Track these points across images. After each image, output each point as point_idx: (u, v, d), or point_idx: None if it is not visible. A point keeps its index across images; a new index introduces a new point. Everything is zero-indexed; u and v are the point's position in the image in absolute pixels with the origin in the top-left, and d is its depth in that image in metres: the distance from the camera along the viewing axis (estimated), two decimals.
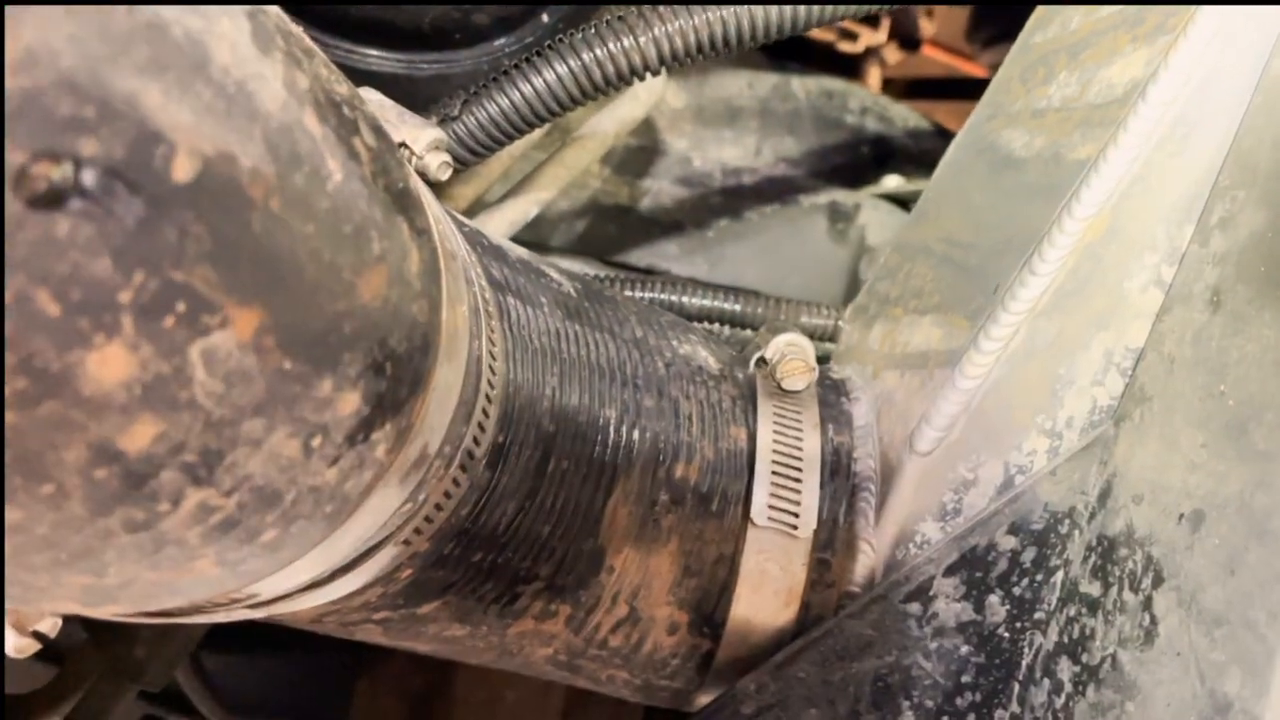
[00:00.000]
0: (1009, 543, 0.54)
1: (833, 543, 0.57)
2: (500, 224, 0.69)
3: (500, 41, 0.64)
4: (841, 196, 1.12)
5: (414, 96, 0.70)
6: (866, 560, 0.56)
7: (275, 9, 0.33)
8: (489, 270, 0.51)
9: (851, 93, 1.19)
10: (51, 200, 0.24)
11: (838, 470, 0.58)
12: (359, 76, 0.65)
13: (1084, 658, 0.50)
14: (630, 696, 0.61)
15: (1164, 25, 0.49)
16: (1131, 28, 0.52)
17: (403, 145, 0.47)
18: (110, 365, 0.26)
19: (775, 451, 0.57)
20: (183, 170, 0.26)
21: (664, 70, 0.59)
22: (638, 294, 0.72)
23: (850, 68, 1.47)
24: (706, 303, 0.72)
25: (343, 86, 0.34)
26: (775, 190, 1.11)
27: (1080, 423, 0.53)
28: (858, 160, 1.16)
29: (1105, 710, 0.47)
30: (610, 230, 1.09)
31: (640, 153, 1.08)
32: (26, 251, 0.24)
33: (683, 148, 1.10)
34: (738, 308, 0.72)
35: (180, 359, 0.27)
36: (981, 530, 0.53)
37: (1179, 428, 0.47)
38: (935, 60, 2.07)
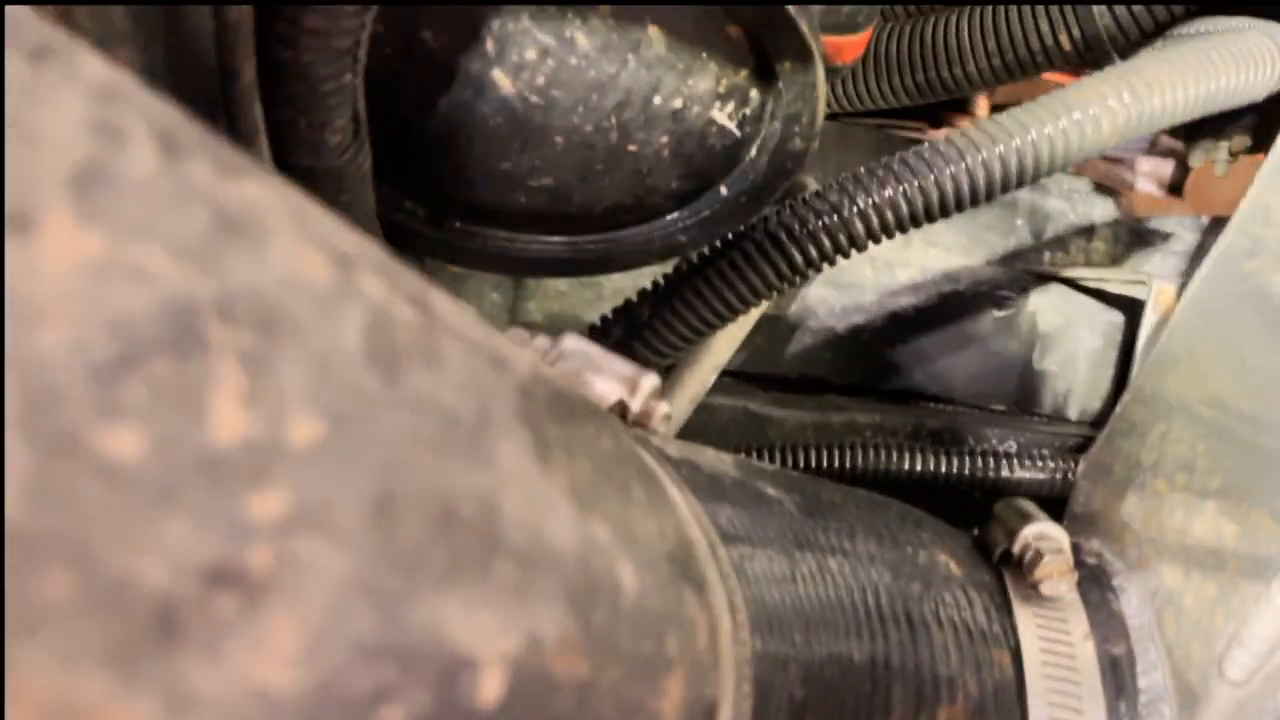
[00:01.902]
0: None
1: None
2: (683, 403, 0.63)
3: (673, 216, 0.58)
4: (1004, 280, 1.04)
5: (579, 275, 0.65)
6: None
7: (531, 357, 0.27)
8: (716, 520, 0.44)
9: None
10: None
11: (1121, 690, 0.50)
12: (520, 264, 0.60)
13: None
14: None
15: None
16: None
17: (619, 404, 0.42)
18: None
19: (1047, 678, 0.50)
20: (492, 689, 0.20)
21: (872, 245, 0.52)
22: (835, 464, 0.65)
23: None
24: (916, 469, 0.65)
25: (609, 438, 0.28)
26: (930, 281, 1.03)
27: None
28: (1014, 235, 1.08)
29: None
30: (758, 342, 1.02)
31: None
32: None
33: None
34: (952, 470, 0.65)
35: None
36: None
37: None
38: (1047, 82, 1.96)
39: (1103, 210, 1.14)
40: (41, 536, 0.14)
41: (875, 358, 1.02)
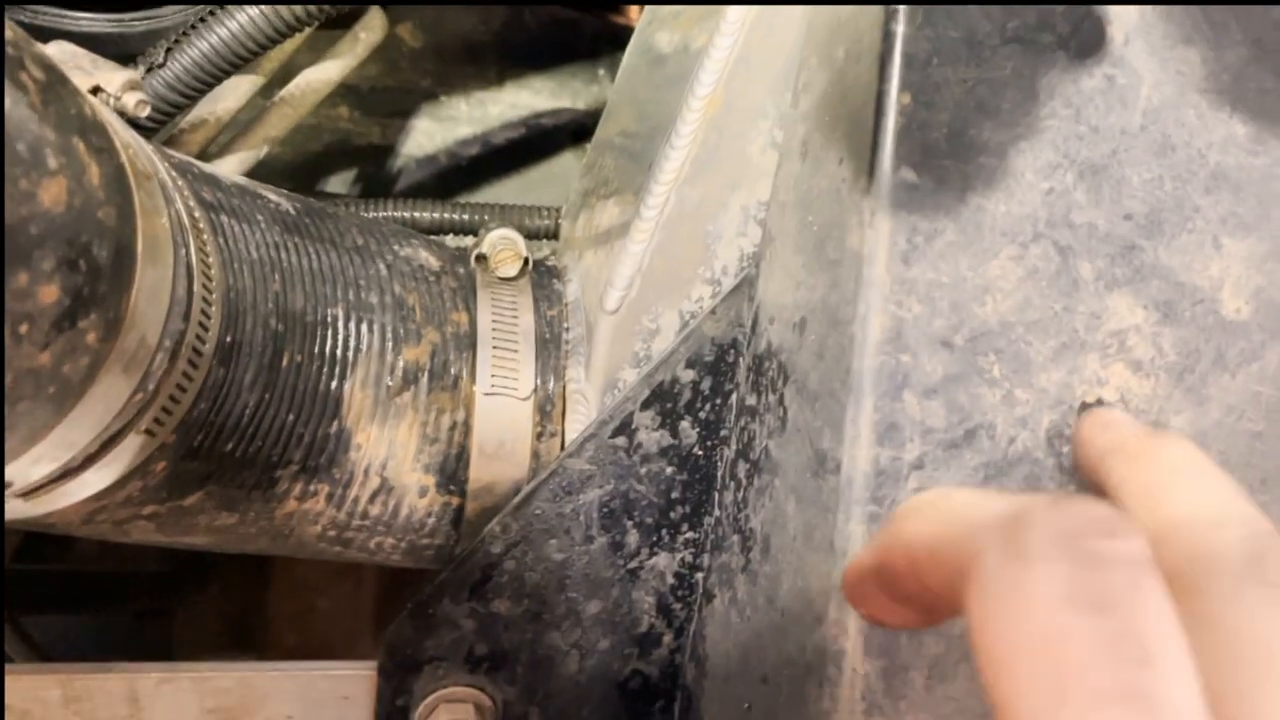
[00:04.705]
0: (688, 375, 0.64)
1: (551, 400, 0.66)
2: (231, 165, 0.74)
3: None
4: (581, 118, 1.21)
5: (128, 55, 0.74)
6: (583, 409, 0.66)
7: None
8: (199, 193, 0.57)
9: (584, 21, 1.27)
10: None
11: (551, 339, 0.68)
12: (68, 38, 0.69)
13: (750, 455, 0.61)
14: (400, 561, 0.69)
15: None
16: None
17: (97, 89, 0.53)
18: None
19: (494, 329, 0.66)
20: None
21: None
22: (370, 213, 0.79)
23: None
24: (435, 215, 0.80)
25: (9, 32, 0.40)
26: (520, 117, 1.19)
27: (733, 269, 0.64)
28: (595, 84, 1.25)
29: (764, 490, 0.59)
30: (369, 170, 1.14)
31: (387, 93, 1.14)
32: None
33: (428, 85, 1.16)
34: (465, 217, 0.80)
35: None
36: (664, 367, 0.64)
37: (789, 257, 0.58)
38: None
39: None
40: None
41: (471, 183, 1.17)
